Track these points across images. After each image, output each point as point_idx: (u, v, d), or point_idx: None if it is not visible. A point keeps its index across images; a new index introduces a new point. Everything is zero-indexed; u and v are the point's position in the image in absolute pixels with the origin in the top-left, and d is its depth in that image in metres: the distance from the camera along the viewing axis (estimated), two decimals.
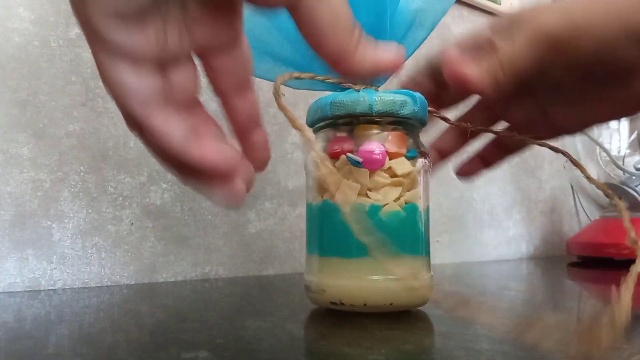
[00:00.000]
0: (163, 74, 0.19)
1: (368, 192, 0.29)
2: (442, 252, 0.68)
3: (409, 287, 0.20)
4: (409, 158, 0.29)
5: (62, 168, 0.42)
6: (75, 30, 0.43)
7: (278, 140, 0.53)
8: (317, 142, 0.32)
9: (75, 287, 0.41)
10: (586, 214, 0.84)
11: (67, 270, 0.41)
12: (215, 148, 0.19)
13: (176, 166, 0.20)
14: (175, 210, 0.47)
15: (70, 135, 0.42)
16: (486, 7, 0.76)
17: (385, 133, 0.29)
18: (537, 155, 0.83)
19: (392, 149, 0.29)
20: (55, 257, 0.41)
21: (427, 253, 0.31)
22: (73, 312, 0.32)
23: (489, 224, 0.74)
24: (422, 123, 0.31)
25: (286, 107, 0.24)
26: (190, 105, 0.20)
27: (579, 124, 0.31)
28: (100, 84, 0.45)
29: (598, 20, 0.25)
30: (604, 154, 0.74)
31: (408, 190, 0.30)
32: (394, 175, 0.29)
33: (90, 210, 0.43)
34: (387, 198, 0.29)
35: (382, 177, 0.29)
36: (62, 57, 0.42)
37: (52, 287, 0.41)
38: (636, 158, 0.72)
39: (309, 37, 0.19)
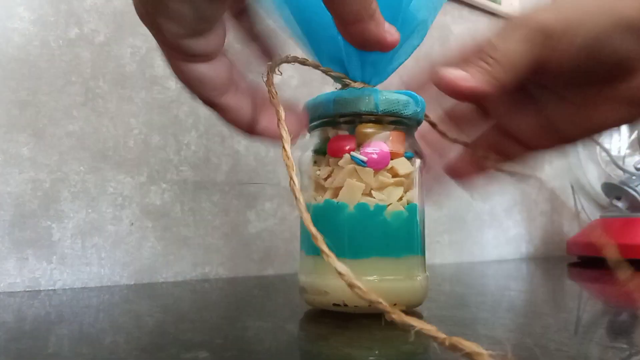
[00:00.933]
0: (229, 66, 0.24)
1: (372, 191, 0.28)
2: (442, 252, 0.68)
3: (354, 286, 0.20)
4: (407, 158, 0.29)
5: (62, 168, 0.42)
6: (75, 30, 0.43)
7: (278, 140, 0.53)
8: (312, 140, 0.31)
9: (75, 287, 0.41)
10: (586, 214, 0.84)
11: (67, 270, 0.41)
12: (274, 124, 0.25)
13: (246, 133, 0.27)
14: (175, 210, 0.47)
15: (70, 135, 0.42)
16: (486, 7, 0.76)
17: (387, 132, 0.29)
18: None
19: (393, 148, 0.29)
20: (55, 257, 0.41)
21: (424, 253, 0.31)
22: (73, 312, 0.32)
23: (489, 224, 0.74)
24: (419, 123, 0.31)
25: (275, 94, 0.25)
26: (251, 89, 0.27)
27: (584, 130, 0.30)
28: (100, 83, 0.46)
29: (589, 14, 0.25)
30: (604, 154, 0.74)
31: (408, 191, 0.30)
32: (395, 175, 0.29)
33: (90, 210, 0.43)
34: (391, 198, 0.29)
35: (385, 177, 0.29)
36: (62, 57, 0.42)
37: (52, 287, 0.41)
38: (636, 158, 0.72)
39: None
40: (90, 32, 0.44)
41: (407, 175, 0.29)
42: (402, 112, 0.28)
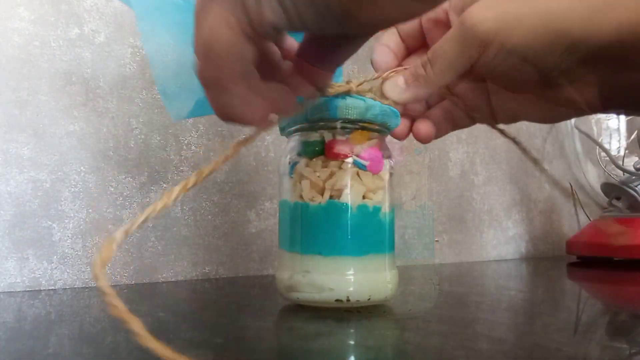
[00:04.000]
0: None
1: (368, 193, 0.31)
2: (442, 252, 0.68)
3: None
4: None
5: (62, 168, 0.42)
6: (76, 30, 0.43)
7: (278, 141, 0.53)
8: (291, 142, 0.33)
9: (75, 287, 0.41)
10: (586, 214, 0.84)
11: (68, 270, 0.41)
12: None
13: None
14: (175, 210, 0.47)
15: (70, 135, 0.42)
16: None
17: (376, 140, 0.31)
18: (536, 155, 0.83)
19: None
20: (55, 257, 0.41)
21: (393, 250, 0.34)
22: (73, 312, 0.32)
23: (489, 224, 0.74)
24: (389, 130, 0.33)
25: None
26: None
27: (512, 117, 0.31)
28: (101, 84, 0.45)
29: (527, 22, 0.24)
30: (603, 154, 0.74)
31: (389, 192, 0.32)
32: (380, 178, 0.32)
33: (90, 210, 0.43)
34: (383, 200, 0.31)
35: (380, 180, 0.31)
36: (62, 57, 0.42)
37: (53, 287, 0.41)
38: (636, 158, 0.72)
39: None
40: (91, 32, 0.44)
41: (387, 180, 0.32)
42: (389, 122, 0.31)
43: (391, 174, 0.33)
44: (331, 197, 0.30)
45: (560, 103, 0.28)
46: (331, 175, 0.30)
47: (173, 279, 0.46)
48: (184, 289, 0.41)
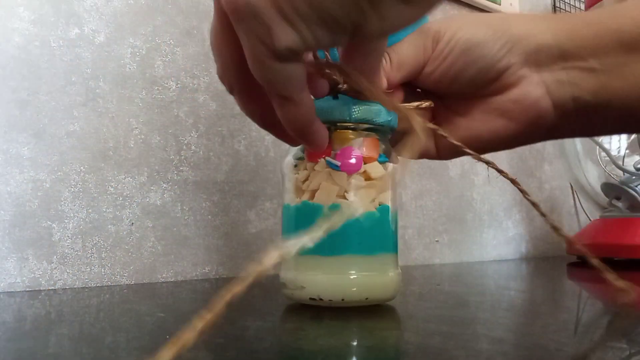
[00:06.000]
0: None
1: (345, 193, 0.30)
2: (442, 252, 0.68)
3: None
4: (380, 162, 0.31)
5: (62, 168, 0.42)
6: (75, 30, 0.43)
7: (278, 140, 0.53)
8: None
9: (75, 287, 0.41)
10: (586, 214, 0.84)
11: (68, 270, 0.41)
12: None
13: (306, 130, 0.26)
14: (175, 210, 0.47)
15: (70, 135, 0.42)
16: (486, 7, 0.76)
17: (361, 139, 0.31)
18: (536, 155, 0.83)
19: (367, 153, 0.31)
20: (55, 257, 0.41)
21: (396, 250, 0.33)
22: (73, 312, 0.32)
23: (489, 224, 0.74)
24: (392, 130, 0.33)
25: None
26: None
27: (468, 142, 0.30)
28: (101, 84, 0.45)
29: (471, 24, 0.28)
30: (603, 154, 0.74)
31: (380, 193, 0.31)
32: (368, 178, 0.31)
33: (90, 210, 0.43)
34: (363, 200, 0.31)
35: (358, 180, 0.31)
36: (62, 57, 0.42)
37: (52, 287, 0.41)
38: (636, 158, 0.72)
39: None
40: (91, 32, 0.44)
41: (380, 179, 0.31)
42: (374, 120, 0.31)
43: (394, 174, 0.32)
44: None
45: (507, 111, 0.29)
46: (308, 176, 0.31)
47: (173, 279, 0.46)
48: (184, 289, 0.41)
